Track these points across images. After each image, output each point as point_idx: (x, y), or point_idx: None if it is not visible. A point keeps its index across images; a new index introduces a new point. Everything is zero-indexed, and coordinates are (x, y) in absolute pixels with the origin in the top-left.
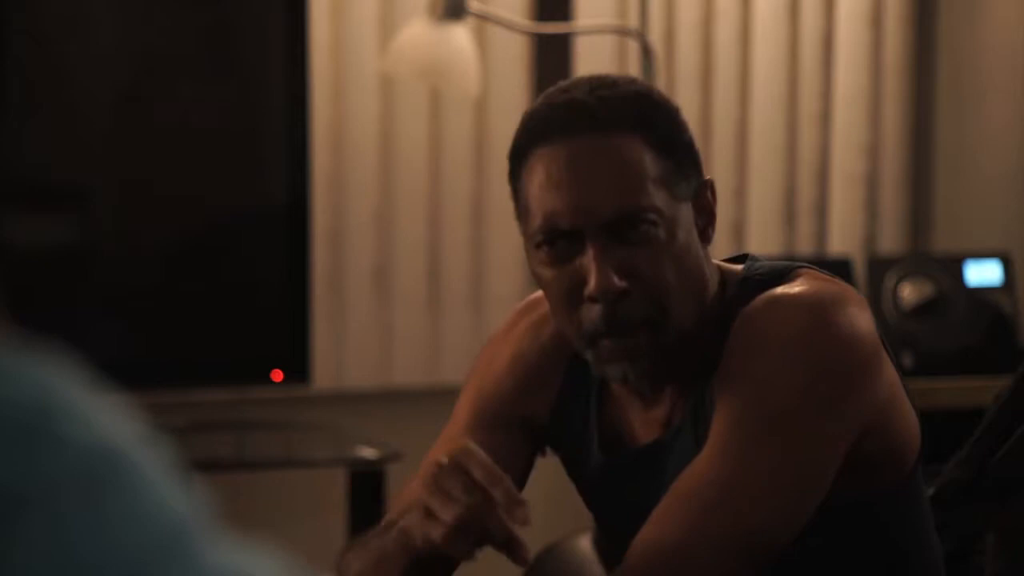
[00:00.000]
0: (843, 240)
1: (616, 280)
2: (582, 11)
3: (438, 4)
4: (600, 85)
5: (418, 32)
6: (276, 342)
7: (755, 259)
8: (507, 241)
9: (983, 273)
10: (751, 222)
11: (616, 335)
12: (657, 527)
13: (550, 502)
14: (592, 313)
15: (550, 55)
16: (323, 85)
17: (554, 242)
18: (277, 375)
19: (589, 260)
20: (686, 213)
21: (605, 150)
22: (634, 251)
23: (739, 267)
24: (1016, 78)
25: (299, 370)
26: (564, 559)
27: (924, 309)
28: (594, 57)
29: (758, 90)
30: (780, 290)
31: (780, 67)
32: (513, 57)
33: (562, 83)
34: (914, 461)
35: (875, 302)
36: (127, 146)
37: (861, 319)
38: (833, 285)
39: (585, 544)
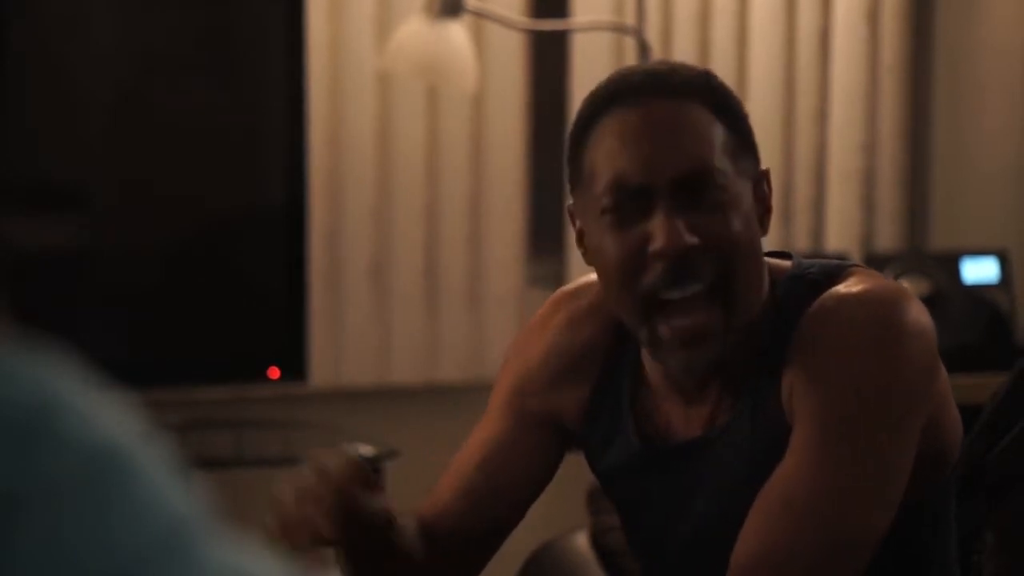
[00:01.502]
0: (840, 237)
1: (687, 235)
2: (579, 8)
3: (435, 2)
4: (668, 63)
5: (415, 30)
6: (273, 340)
7: (799, 257)
8: (505, 238)
9: (980, 270)
10: None
11: (684, 305)
12: (762, 536)
13: (547, 501)
14: (655, 272)
15: (547, 52)
16: (321, 83)
17: (620, 206)
18: (274, 373)
19: (658, 220)
20: (748, 192)
21: (677, 114)
22: (702, 215)
23: (787, 263)
24: (1013, 75)
25: (297, 368)
26: (560, 557)
27: None
28: (591, 54)
29: (755, 87)
30: (843, 289)
31: (777, 64)
32: (510, 54)
33: (624, 68)
34: (951, 468)
35: None
36: (125, 145)
37: (925, 315)
38: (891, 283)
39: (581, 542)
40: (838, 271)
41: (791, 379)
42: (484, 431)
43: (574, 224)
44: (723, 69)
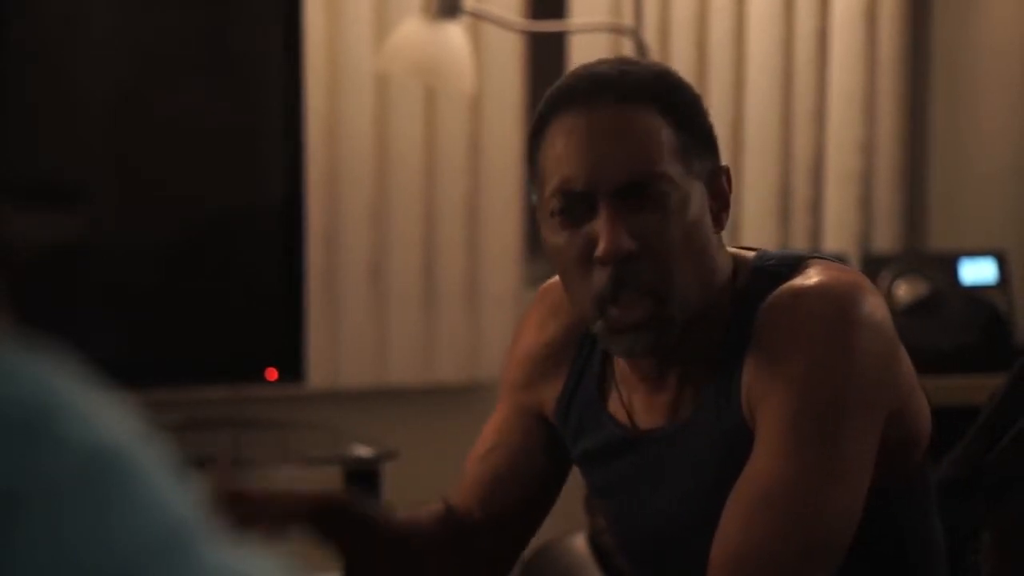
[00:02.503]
0: (838, 237)
1: (626, 241)
2: (576, 9)
3: (433, 2)
4: (623, 62)
5: (413, 30)
6: (271, 340)
7: (764, 250)
8: (502, 239)
9: (978, 271)
10: (746, 219)
11: (624, 302)
12: (742, 535)
13: None
14: (602, 277)
15: (545, 53)
16: (318, 83)
17: (567, 209)
18: (272, 373)
19: (601, 223)
20: (699, 192)
21: (623, 118)
22: (645, 216)
23: (751, 254)
24: (1010, 75)
25: (294, 368)
26: (557, 558)
27: (919, 307)
28: (589, 55)
29: (753, 87)
30: (799, 282)
31: (775, 64)
32: (508, 55)
33: (588, 63)
34: (925, 450)
35: None
36: (122, 145)
37: (881, 307)
38: (850, 274)
39: (579, 543)
40: (798, 262)
41: (750, 373)
42: (490, 424)
43: (537, 221)
44: (720, 69)
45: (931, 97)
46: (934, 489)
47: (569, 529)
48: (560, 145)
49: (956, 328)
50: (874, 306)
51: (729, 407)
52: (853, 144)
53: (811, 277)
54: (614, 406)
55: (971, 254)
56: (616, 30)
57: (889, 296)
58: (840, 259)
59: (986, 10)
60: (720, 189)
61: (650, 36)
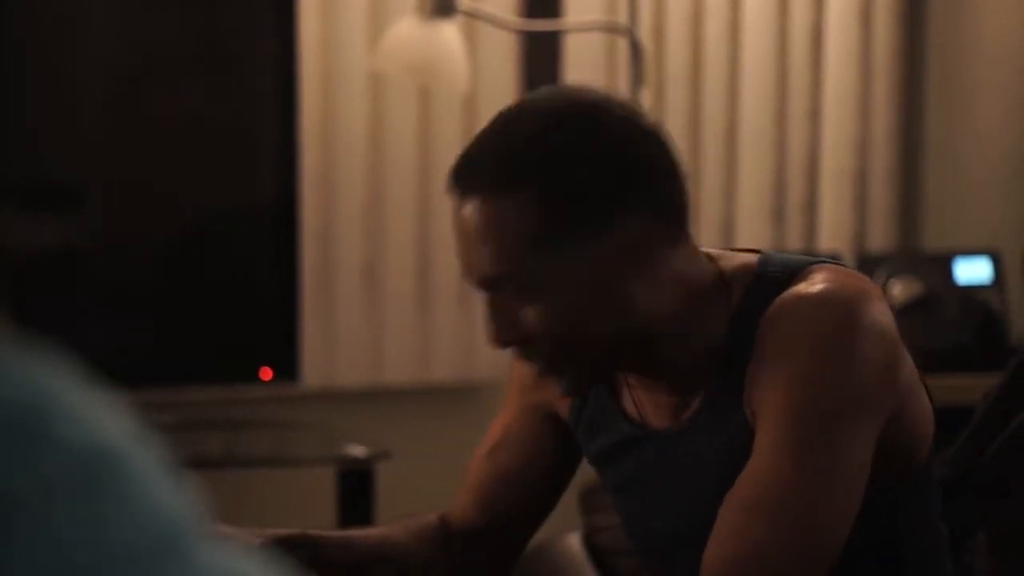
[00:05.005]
0: (832, 237)
1: (504, 335)
2: (571, 8)
3: (427, 2)
4: (494, 133)
5: (407, 30)
6: (265, 340)
7: (769, 253)
8: None
9: (973, 270)
10: (740, 219)
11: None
12: (736, 538)
13: None
14: None
15: (539, 52)
16: (312, 83)
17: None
18: (266, 373)
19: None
20: (580, 261)
21: (473, 218)
22: (520, 306)
23: (754, 258)
24: (1005, 75)
25: (289, 368)
26: (553, 557)
27: (914, 306)
28: (583, 54)
29: (748, 87)
30: (801, 289)
31: (770, 64)
32: (502, 55)
33: (498, 114)
34: (927, 451)
35: None
36: (118, 145)
37: (884, 312)
38: (853, 279)
39: (575, 543)
40: (801, 268)
41: (753, 376)
42: (497, 423)
43: None
44: (715, 68)
45: (926, 96)
46: (937, 491)
47: (564, 528)
48: None
49: (951, 327)
50: (877, 312)
51: (733, 409)
52: (848, 143)
53: (815, 283)
54: (627, 403)
55: (966, 253)
56: (611, 29)
57: (884, 295)
58: (836, 260)
59: (980, 9)
60: (628, 241)
61: (645, 35)
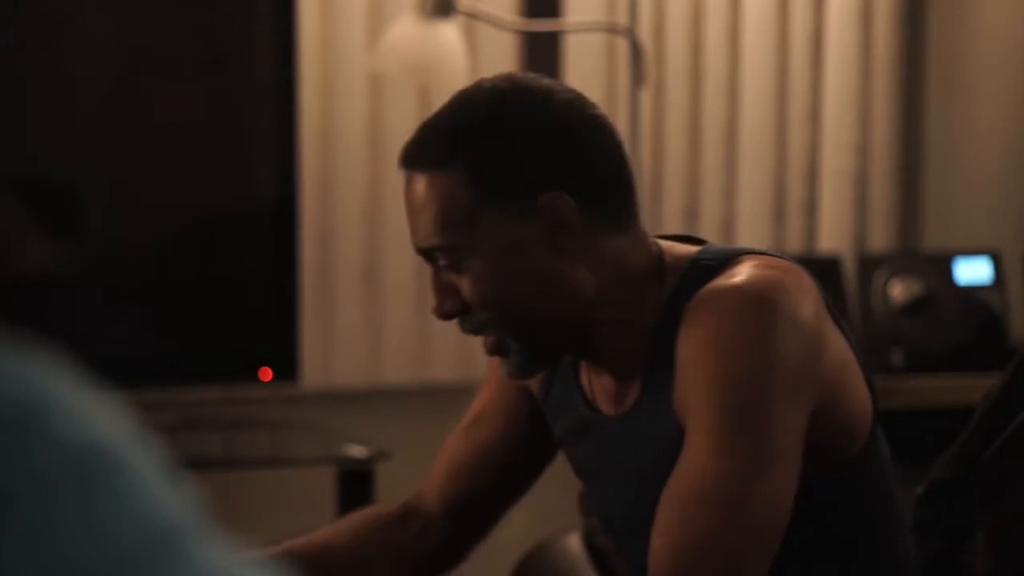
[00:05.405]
0: (833, 238)
1: (443, 305)
2: (571, 8)
3: (427, 2)
4: (443, 112)
5: (407, 29)
6: (265, 340)
7: (709, 245)
8: None
9: (973, 270)
10: (740, 220)
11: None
12: (672, 532)
13: (539, 501)
14: None
15: (539, 53)
16: (312, 82)
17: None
18: (266, 373)
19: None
20: (508, 235)
21: (415, 191)
22: (457, 277)
23: (693, 249)
24: (1005, 75)
25: (288, 368)
26: (553, 558)
27: (914, 307)
28: (583, 55)
29: (748, 88)
30: (720, 282)
31: (770, 65)
32: (502, 55)
33: (452, 96)
34: (866, 438)
35: (865, 300)
36: (116, 145)
37: (799, 303)
38: (773, 271)
39: (574, 543)
40: (731, 258)
41: (678, 375)
42: (476, 401)
43: None
44: (715, 69)
45: (926, 98)
46: (885, 471)
47: (562, 529)
48: None
49: (951, 328)
50: (791, 304)
51: (664, 399)
52: (848, 144)
53: (732, 276)
54: (585, 387)
55: (966, 254)
56: (611, 29)
57: (884, 296)
58: (772, 253)
59: (980, 11)
60: (550, 217)
61: (645, 36)
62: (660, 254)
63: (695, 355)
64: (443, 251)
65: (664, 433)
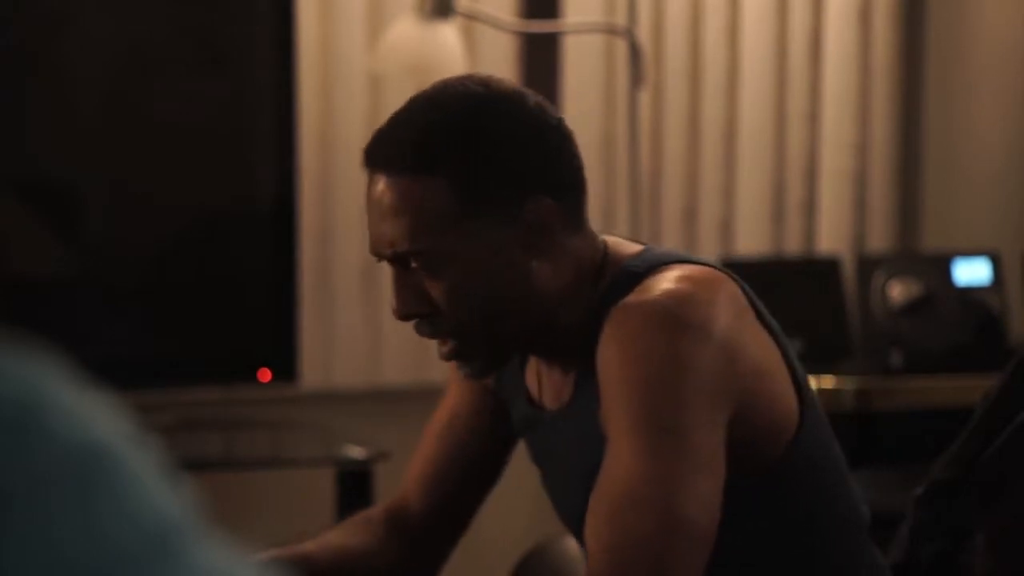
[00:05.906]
0: (831, 238)
1: (408, 307)
2: (570, 9)
3: (426, 2)
4: (413, 113)
5: (406, 30)
6: (264, 341)
7: (649, 249)
8: None
9: (972, 271)
10: (739, 220)
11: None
12: (604, 532)
13: (538, 501)
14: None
15: (538, 53)
16: (311, 83)
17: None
18: (265, 374)
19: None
20: (490, 239)
21: (384, 193)
22: (425, 280)
23: (634, 250)
24: (1004, 75)
25: (287, 369)
26: (553, 558)
27: (913, 308)
28: (582, 55)
29: (746, 88)
30: (634, 296)
31: (768, 65)
32: (501, 55)
33: (414, 96)
34: (790, 441)
35: (864, 300)
36: (115, 145)
37: (709, 316)
38: (685, 284)
39: (574, 543)
40: (656, 266)
41: (599, 380)
42: (442, 405)
43: None
44: (714, 70)
45: (925, 98)
46: (818, 471)
47: (563, 529)
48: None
49: (950, 329)
50: (700, 317)
51: (594, 400)
52: (847, 145)
53: (646, 291)
54: (530, 381)
55: (965, 254)
56: (610, 30)
57: (883, 297)
58: (702, 261)
59: (980, 11)
60: (530, 221)
61: (644, 36)
62: (604, 254)
63: (610, 370)
64: (418, 256)
65: (595, 432)
